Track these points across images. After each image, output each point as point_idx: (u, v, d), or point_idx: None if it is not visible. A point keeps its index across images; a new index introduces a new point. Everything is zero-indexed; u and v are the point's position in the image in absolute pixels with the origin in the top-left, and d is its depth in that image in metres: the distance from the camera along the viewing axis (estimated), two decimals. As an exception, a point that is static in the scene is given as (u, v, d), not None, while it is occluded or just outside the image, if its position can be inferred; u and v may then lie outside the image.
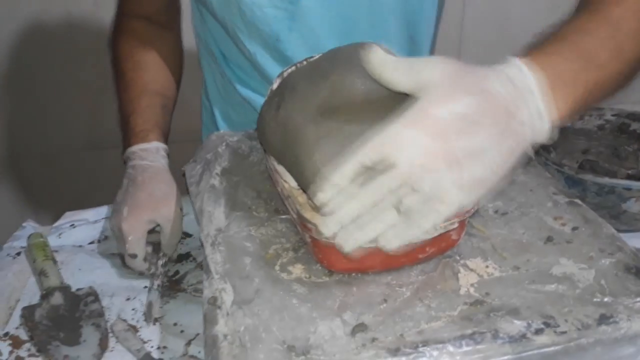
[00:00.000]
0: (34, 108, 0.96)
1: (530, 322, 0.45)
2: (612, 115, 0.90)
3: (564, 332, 0.44)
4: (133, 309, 0.61)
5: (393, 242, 0.44)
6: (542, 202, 0.59)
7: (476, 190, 0.45)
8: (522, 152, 0.47)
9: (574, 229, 0.56)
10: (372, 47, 0.49)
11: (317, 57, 0.58)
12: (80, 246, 0.70)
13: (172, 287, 0.64)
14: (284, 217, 0.57)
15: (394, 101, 0.49)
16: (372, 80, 0.49)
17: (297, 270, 0.50)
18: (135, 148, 0.69)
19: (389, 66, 0.47)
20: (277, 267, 0.51)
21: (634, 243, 0.75)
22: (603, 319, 0.45)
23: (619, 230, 0.77)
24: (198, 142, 0.75)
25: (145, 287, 0.64)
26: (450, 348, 0.43)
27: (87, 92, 0.93)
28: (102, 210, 0.75)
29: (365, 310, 0.46)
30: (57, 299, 0.60)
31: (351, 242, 0.45)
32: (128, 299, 0.62)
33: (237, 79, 0.84)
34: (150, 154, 0.69)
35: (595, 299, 0.47)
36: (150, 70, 0.79)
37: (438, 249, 0.51)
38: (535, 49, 0.51)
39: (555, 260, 0.51)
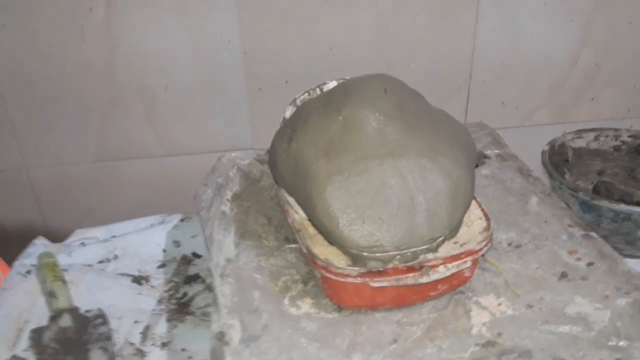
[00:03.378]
0: (43, 120, 0.97)
1: None
2: (629, 137, 0.89)
3: None
4: (141, 333, 0.61)
5: None
6: (557, 235, 0.58)
7: None
8: None
9: (589, 264, 0.55)
10: (380, 81, 0.48)
11: (330, 85, 0.58)
12: (89, 265, 0.70)
13: (180, 310, 0.64)
14: (294, 246, 0.56)
15: (406, 138, 0.49)
16: (384, 115, 0.49)
17: (306, 304, 0.50)
18: None
19: None
20: (286, 301, 0.50)
21: (649, 270, 0.74)
22: None
23: (634, 256, 0.76)
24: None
25: (154, 309, 0.64)
26: (461, 393, 0.42)
27: (97, 104, 0.93)
28: (112, 229, 0.75)
29: (374, 350, 0.45)
30: (65, 321, 0.60)
31: None
32: (136, 322, 0.62)
33: None
34: None
35: (610, 343, 0.46)
36: None
37: (450, 286, 0.50)
38: None
39: (569, 298, 0.51)
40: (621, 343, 0.46)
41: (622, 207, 0.71)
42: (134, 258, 0.71)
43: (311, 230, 0.52)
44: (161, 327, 0.61)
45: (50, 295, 0.62)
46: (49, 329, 0.59)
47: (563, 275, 0.53)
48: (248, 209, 0.62)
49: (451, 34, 1.20)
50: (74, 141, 0.95)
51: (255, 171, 0.68)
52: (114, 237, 0.74)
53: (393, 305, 0.49)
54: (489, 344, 0.46)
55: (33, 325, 0.60)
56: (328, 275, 0.47)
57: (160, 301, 0.65)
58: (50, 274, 0.64)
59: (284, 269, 0.54)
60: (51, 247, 0.72)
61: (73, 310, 0.61)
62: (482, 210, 0.53)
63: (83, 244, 0.72)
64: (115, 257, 0.71)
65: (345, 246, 0.47)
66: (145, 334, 0.61)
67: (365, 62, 1.15)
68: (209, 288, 0.66)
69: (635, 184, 0.88)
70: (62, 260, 0.69)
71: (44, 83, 0.91)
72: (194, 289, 0.67)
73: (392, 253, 0.47)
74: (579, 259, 0.55)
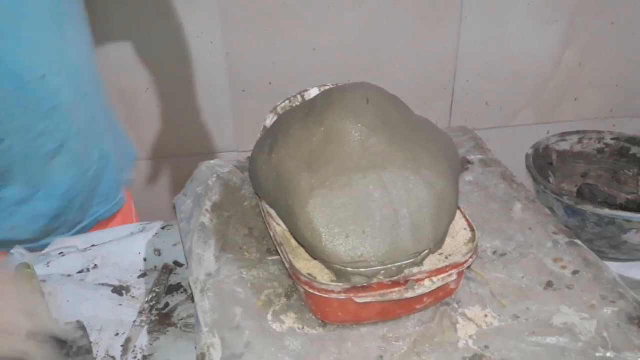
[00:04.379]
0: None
1: None
2: (612, 139, 0.89)
3: None
4: (122, 345, 0.59)
5: None
6: (541, 242, 0.58)
7: None
8: None
9: (575, 272, 0.55)
10: (362, 90, 0.48)
11: (312, 92, 0.57)
12: (69, 275, 0.68)
13: (162, 321, 0.63)
14: (276, 258, 0.55)
15: (388, 150, 0.48)
16: (367, 126, 0.48)
17: (290, 320, 0.49)
18: None
19: None
20: (269, 317, 0.49)
21: (634, 273, 0.74)
22: None
23: (618, 260, 0.76)
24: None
25: (134, 320, 0.62)
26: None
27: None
28: (92, 237, 0.73)
29: None
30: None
31: None
32: (117, 334, 0.61)
33: None
34: None
35: (598, 354, 0.46)
36: None
37: (436, 299, 0.49)
38: None
39: (555, 308, 0.50)
40: (608, 354, 0.46)
41: (606, 211, 0.71)
42: (114, 267, 0.69)
43: (293, 242, 0.51)
44: (142, 340, 0.60)
45: (27, 308, 0.61)
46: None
47: (549, 285, 0.53)
48: (229, 219, 0.60)
49: (435, 35, 1.19)
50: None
51: (236, 179, 0.67)
52: (93, 246, 0.72)
53: (379, 319, 0.49)
54: (476, 357, 0.46)
55: (10, 339, 0.59)
56: (312, 291, 0.46)
57: (141, 312, 0.63)
58: (28, 286, 0.63)
59: (267, 282, 0.53)
60: (29, 257, 0.70)
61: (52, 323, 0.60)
62: (467, 220, 0.53)
63: (62, 254, 0.71)
64: (95, 266, 0.69)
65: (329, 261, 0.46)
66: (126, 346, 0.59)
67: (349, 64, 1.14)
68: (191, 298, 0.64)
69: (618, 186, 0.89)
70: (41, 270, 0.67)
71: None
72: (175, 299, 0.65)
73: (376, 268, 0.46)
74: (564, 267, 0.55)
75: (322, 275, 0.47)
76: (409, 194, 0.47)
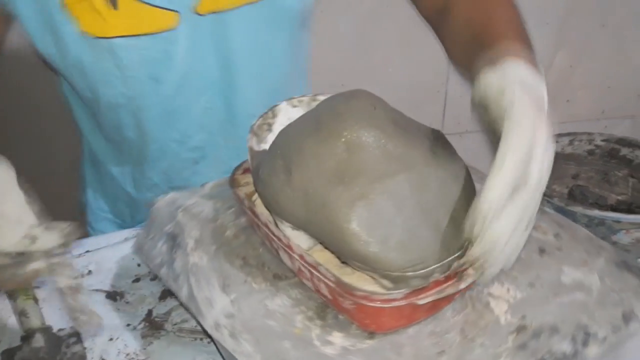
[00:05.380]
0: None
1: (573, 336, 0.47)
2: (602, 141, 0.90)
3: (604, 338, 0.47)
4: (117, 350, 0.60)
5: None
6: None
7: None
8: None
9: (556, 235, 0.58)
10: (365, 97, 0.48)
11: (281, 106, 0.58)
12: (62, 281, 0.68)
13: (156, 326, 0.63)
14: (292, 281, 0.55)
15: (408, 150, 0.49)
16: (383, 132, 0.49)
17: (337, 339, 0.48)
18: None
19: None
20: (316, 342, 0.48)
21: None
22: (627, 317, 0.49)
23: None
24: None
25: (129, 324, 0.63)
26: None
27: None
28: (85, 243, 0.74)
29: None
30: (38, 341, 0.59)
31: (503, 261, 0.46)
32: (111, 339, 0.61)
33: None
34: None
35: (611, 299, 0.50)
36: None
37: (468, 285, 0.49)
38: (498, 47, 0.52)
39: (559, 269, 0.54)
40: (619, 297, 0.50)
41: (596, 212, 0.72)
42: (108, 273, 0.70)
43: (320, 259, 0.50)
44: (136, 344, 0.60)
45: (21, 314, 0.61)
46: (20, 349, 0.58)
47: (542, 251, 0.57)
48: (217, 253, 0.58)
49: (427, 38, 1.20)
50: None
51: (207, 209, 0.64)
52: (87, 252, 0.72)
53: (427, 316, 0.50)
54: (520, 328, 0.48)
55: (5, 346, 0.59)
56: (370, 304, 0.46)
57: (135, 317, 0.64)
58: (21, 292, 0.63)
59: (294, 307, 0.52)
60: (23, 263, 0.71)
61: (45, 330, 0.60)
62: None
63: (56, 260, 0.71)
64: (89, 272, 0.70)
65: (386, 269, 0.47)
66: (120, 351, 0.60)
67: (341, 68, 1.15)
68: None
69: (609, 187, 0.89)
70: (35, 277, 0.67)
71: None
72: (169, 304, 0.66)
73: (433, 267, 0.47)
74: (545, 233, 0.58)
75: (364, 285, 0.47)
76: (441, 189, 0.49)
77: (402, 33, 1.17)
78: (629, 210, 0.80)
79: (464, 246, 0.48)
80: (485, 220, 0.43)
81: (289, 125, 0.56)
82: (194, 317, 0.55)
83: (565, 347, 0.47)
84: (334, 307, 0.52)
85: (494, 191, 0.43)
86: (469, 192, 0.51)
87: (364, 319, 0.49)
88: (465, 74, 0.58)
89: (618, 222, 0.72)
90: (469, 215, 0.45)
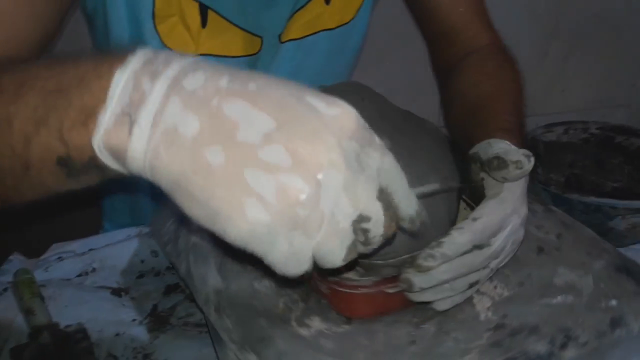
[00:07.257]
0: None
1: (552, 337, 0.46)
2: (597, 129, 0.91)
3: (585, 343, 0.46)
4: (124, 345, 0.61)
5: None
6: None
7: None
8: None
9: (558, 235, 0.57)
10: (354, 89, 0.49)
11: None
12: (67, 279, 0.69)
13: (162, 320, 0.64)
14: None
15: (397, 143, 0.49)
16: (372, 126, 0.49)
17: (315, 323, 0.49)
18: None
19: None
20: (293, 323, 0.49)
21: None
22: (615, 323, 0.47)
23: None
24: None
25: (134, 320, 0.64)
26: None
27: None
28: (89, 242, 0.74)
29: (397, 356, 0.46)
30: (45, 338, 0.59)
31: (449, 302, 0.48)
32: (117, 335, 0.62)
33: None
34: None
35: (602, 305, 0.49)
36: None
37: None
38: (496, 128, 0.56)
39: (553, 270, 0.53)
40: (611, 303, 0.49)
41: (592, 199, 0.73)
42: (113, 270, 0.70)
43: None
44: (143, 339, 0.61)
45: (27, 312, 0.62)
46: (28, 347, 0.59)
47: (540, 250, 0.56)
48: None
49: (422, 31, 1.20)
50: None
51: None
52: (91, 250, 0.73)
53: (404, 306, 0.50)
54: (498, 326, 0.48)
55: (12, 344, 0.60)
56: (340, 289, 0.47)
57: (140, 312, 0.65)
58: (27, 291, 0.64)
59: (280, 289, 0.53)
60: (27, 263, 0.72)
61: (52, 327, 0.61)
62: (465, 200, 0.55)
63: (60, 258, 0.72)
64: (94, 270, 0.71)
65: (359, 258, 0.47)
66: (127, 346, 0.61)
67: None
68: (189, 298, 0.66)
69: (605, 174, 0.91)
70: (40, 275, 0.68)
71: None
72: (174, 298, 0.67)
73: (403, 257, 0.47)
74: (547, 233, 0.58)
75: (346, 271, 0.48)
76: (420, 182, 0.49)
77: (395, 25, 1.17)
78: (625, 197, 0.81)
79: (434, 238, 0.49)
80: (435, 258, 0.45)
81: None
82: (195, 301, 0.57)
83: (540, 347, 0.46)
84: (316, 292, 0.53)
85: (460, 238, 0.46)
86: (450, 186, 0.51)
87: (339, 304, 0.50)
88: (461, 134, 0.62)
89: (614, 208, 0.72)
90: (431, 245, 0.46)
